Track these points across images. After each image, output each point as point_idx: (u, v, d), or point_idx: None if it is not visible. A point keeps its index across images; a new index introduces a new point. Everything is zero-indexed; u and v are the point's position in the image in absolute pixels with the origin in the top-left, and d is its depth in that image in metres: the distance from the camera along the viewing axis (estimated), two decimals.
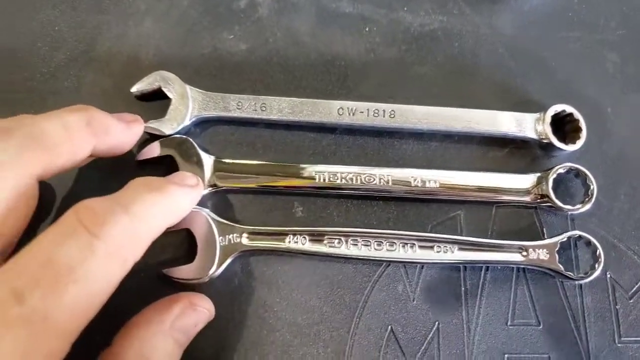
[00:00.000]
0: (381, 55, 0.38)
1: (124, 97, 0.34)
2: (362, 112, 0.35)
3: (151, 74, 0.34)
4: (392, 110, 0.35)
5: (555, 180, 0.35)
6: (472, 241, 0.34)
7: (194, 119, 0.34)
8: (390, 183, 0.34)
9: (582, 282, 0.34)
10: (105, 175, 0.33)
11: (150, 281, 0.32)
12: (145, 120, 0.33)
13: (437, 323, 0.34)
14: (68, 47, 0.37)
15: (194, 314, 0.29)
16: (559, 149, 0.36)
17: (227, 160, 0.34)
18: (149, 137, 0.34)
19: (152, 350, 0.27)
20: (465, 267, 0.34)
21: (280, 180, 0.34)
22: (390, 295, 0.34)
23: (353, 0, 0.39)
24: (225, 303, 0.33)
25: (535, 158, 0.37)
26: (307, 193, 0.35)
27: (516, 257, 0.34)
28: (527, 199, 0.35)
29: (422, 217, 0.35)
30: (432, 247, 0.33)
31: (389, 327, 0.33)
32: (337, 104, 0.35)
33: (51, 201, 0.32)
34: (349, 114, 0.35)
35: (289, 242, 0.33)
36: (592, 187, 0.34)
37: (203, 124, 0.35)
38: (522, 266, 0.34)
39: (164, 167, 0.34)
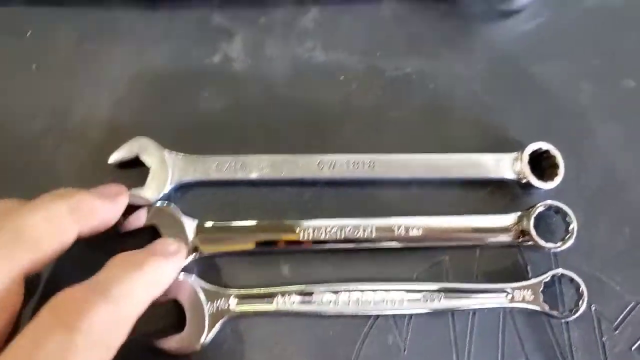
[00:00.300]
0: (358, 102, 0.38)
1: (102, 167, 0.34)
2: (342, 165, 0.35)
3: (128, 142, 0.34)
4: (372, 161, 0.36)
5: (536, 218, 0.35)
6: (458, 288, 0.34)
7: (174, 185, 0.34)
8: (374, 233, 0.35)
9: (567, 319, 0.34)
10: (86, 246, 0.33)
11: (141, 353, 0.32)
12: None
13: None
14: (42, 116, 0.36)
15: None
16: (538, 187, 0.36)
17: (210, 224, 0.34)
18: (128, 207, 0.34)
19: None
20: (453, 313, 0.35)
21: (264, 238, 0.34)
22: (381, 348, 0.34)
23: (326, 49, 0.39)
24: None
25: (515, 197, 0.37)
26: (293, 250, 0.35)
27: (502, 300, 0.34)
28: (509, 238, 0.36)
29: (408, 265, 0.35)
30: (419, 298, 0.34)
31: None
32: (316, 158, 0.35)
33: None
34: (329, 168, 0.35)
35: (277, 303, 0.33)
36: (572, 224, 0.35)
37: (183, 188, 0.35)
38: (509, 308, 0.35)
39: (147, 233, 0.34)
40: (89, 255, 0.32)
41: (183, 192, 0.36)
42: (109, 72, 0.38)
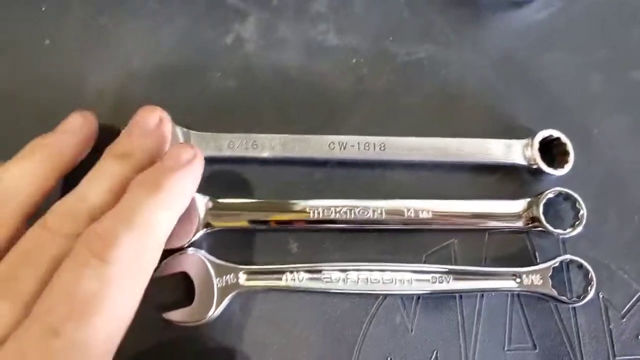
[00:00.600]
0: (369, 86, 0.38)
1: (114, 139, 0.34)
2: (353, 146, 0.36)
3: None
4: (382, 143, 0.36)
5: (545, 204, 0.35)
6: (466, 270, 0.34)
7: None
8: (384, 215, 0.35)
9: (575, 305, 0.34)
10: None
11: (150, 325, 0.32)
12: None
13: (435, 352, 0.34)
14: (55, 92, 0.37)
15: None
16: (548, 173, 0.36)
17: (221, 200, 0.34)
18: None
19: None
20: (461, 296, 0.35)
21: (274, 217, 0.34)
22: (388, 327, 0.34)
23: (339, 32, 0.39)
24: (225, 343, 0.33)
25: (524, 183, 0.37)
26: (302, 228, 0.35)
27: (510, 283, 0.34)
28: (518, 224, 0.36)
29: (416, 247, 0.36)
30: (427, 279, 0.34)
31: (389, 358, 0.34)
32: (327, 138, 0.36)
33: None
34: (340, 148, 0.36)
35: (286, 279, 0.33)
36: (582, 211, 0.35)
37: None
38: (517, 292, 0.35)
39: None
40: None
41: None
42: (121, 49, 0.38)
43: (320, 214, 0.35)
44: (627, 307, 0.36)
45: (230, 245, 0.35)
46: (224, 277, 0.33)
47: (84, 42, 0.38)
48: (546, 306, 0.35)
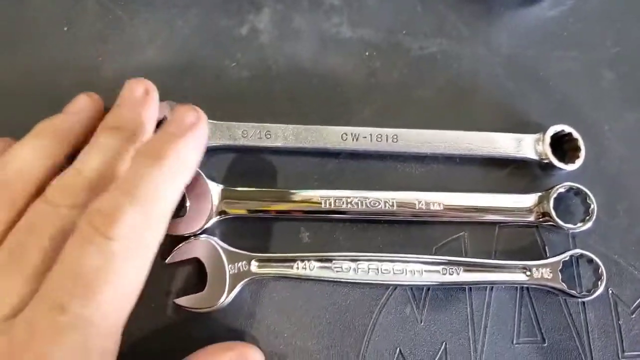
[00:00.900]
0: (382, 79, 0.39)
1: None
2: (366, 137, 0.36)
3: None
4: (395, 135, 0.36)
5: (555, 199, 0.36)
6: (477, 262, 0.34)
7: None
8: (395, 206, 0.35)
9: (585, 299, 0.34)
10: None
11: (161, 311, 0.33)
12: None
13: (444, 343, 0.34)
14: (71, 79, 0.37)
15: None
16: (559, 168, 0.36)
17: (234, 188, 0.35)
18: None
19: None
20: (470, 288, 0.35)
21: (286, 206, 0.35)
22: (398, 318, 0.34)
23: (353, 25, 0.40)
24: (236, 330, 0.33)
25: (535, 177, 0.38)
26: (314, 218, 0.35)
27: (520, 276, 0.34)
28: (528, 218, 0.36)
29: (426, 239, 0.36)
30: (438, 270, 0.34)
31: (398, 349, 0.34)
32: (340, 129, 0.36)
33: None
34: (353, 139, 0.36)
35: (298, 268, 0.33)
36: (592, 206, 0.35)
37: (209, 152, 0.36)
38: (526, 285, 0.35)
39: None
40: None
41: (208, 156, 0.35)
42: (137, 38, 0.38)
43: (332, 204, 0.35)
44: (636, 303, 0.36)
45: (243, 233, 0.35)
46: (236, 264, 0.33)
47: (101, 31, 0.38)
48: (555, 300, 0.35)
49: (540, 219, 0.36)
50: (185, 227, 0.33)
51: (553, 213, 0.35)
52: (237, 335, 0.33)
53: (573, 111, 0.39)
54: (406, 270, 0.34)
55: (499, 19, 0.41)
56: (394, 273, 0.34)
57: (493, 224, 0.36)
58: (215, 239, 0.33)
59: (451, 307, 0.35)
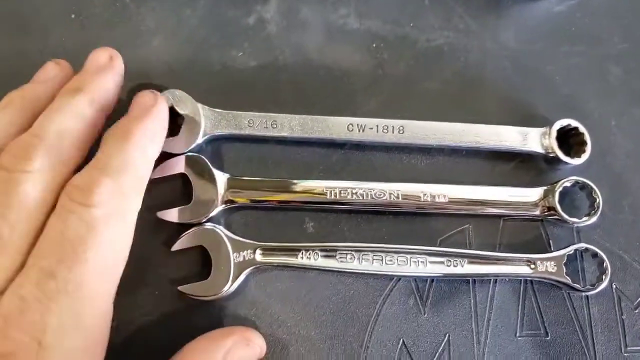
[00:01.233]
0: (389, 71, 0.39)
1: None
2: (372, 128, 0.36)
3: (163, 92, 0.35)
4: (401, 126, 0.36)
5: (561, 193, 0.36)
6: (481, 255, 0.34)
7: (206, 137, 0.35)
8: (400, 198, 0.35)
9: (589, 293, 0.34)
10: None
11: (166, 298, 0.33)
12: None
13: (447, 335, 0.34)
14: (78, 67, 0.37)
15: (246, 348, 0.30)
16: (564, 162, 0.36)
17: (240, 178, 0.35)
18: (161, 156, 0.34)
19: None
20: (474, 280, 0.35)
21: (291, 196, 0.35)
22: (401, 309, 0.34)
23: (360, 17, 0.40)
24: (239, 319, 0.33)
25: (540, 171, 0.38)
26: (318, 209, 0.35)
27: (524, 269, 0.34)
28: (533, 212, 0.36)
29: (431, 231, 0.36)
30: (442, 262, 0.34)
31: (401, 340, 0.34)
32: (346, 120, 0.36)
33: None
34: (359, 130, 0.36)
35: (302, 257, 0.33)
36: (597, 200, 0.35)
37: (214, 142, 0.36)
38: (530, 278, 0.35)
39: (178, 183, 0.34)
40: None
41: (214, 146, 0.36)
42: (145, 27, 0.38)
43: (337, 195, 0.35)
44: None
45: (248, 222, 0.35)
46: (241, 252, 0.33)
47: (109, 19, 0.38)
48: (559, 294, 0.35)
49: (546, 213, 0.36)
50: (191, 215, 0.33)
51: (558, 207, 0.35)
52: (240, 323, 0.33)
53: (579, 106, 0.39)
54: (410, 261, 0.34)
55: (506, 13, 0.41)
56: (398, 264, 0.34)
57: (498, 217, 0.36)
58: (221, 227, 0.33)
59: (455, 299, 0.35)
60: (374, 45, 0.39)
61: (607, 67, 0.40)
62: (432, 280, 0.35)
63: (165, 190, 0.34)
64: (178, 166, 0.34)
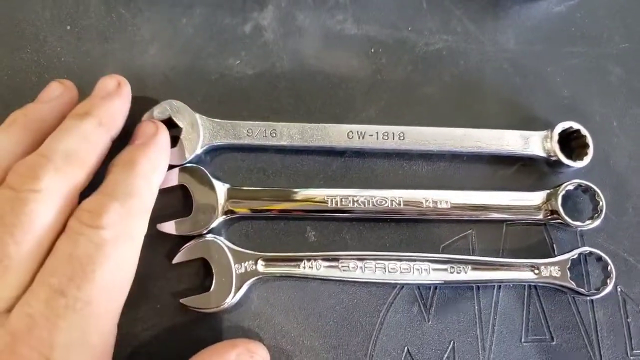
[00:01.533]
0: (388, 76, 0.38)
1: (132, 127, 0.34)
2: (372, 135, 0.36)
3: (160, 103, 0.34)
4: (402, 133, 0.36)
5: (563, 196, 0.35)
6: (485, 261, 0.34)
7: (205, 148, 0.35)
8: (402, 205, 0.35)
9: (594, 297, 0.34)
10: None
11: (168, 311, 0.33)
12: None
13: (452, 342, 0.34)
14: (74, 78, 0.37)
15: None
16: (566, 165, 0.36)
17: (240, 188, 0.34)
18: None
19: None
20: (478, 287, 0.35)
21: (292, 205, 0.34)
22: (405, 317, 0.34)
23: (357, 22, 0.39)
24: (242, 330, 0.33)
25: (542, 175, 0.37)
26: (320, 217, 0.35)
27: (529, 275, 0.34)
28: (536, 216, 0.36)
29: (434, 238, 0.35)
30: (445, 269, 0.34)
31: (405, 348, 0.34)
32: (346, 127, 0.36)
33: None
34: (359, 138, 0.35)
35: (304, 267, 0.33)
36: (601, 203, 0.35)
37: (213, 152, 0.36)
38: (535, 284, 0.35)
39: (177, 195, 0.34)
40: None
41: (213, 156, 0.36)
42: (140, 37, 0.38)
43: (338, 203, 0.34)
44: None
45: (249, 232, 0.35)
46: (243, 263, 0.33)
47: (104, 30, 0.38)
48: (564, 298, 0.35)
49: (549, 217, 0.36)
50: (191, 227, 0.33)
51: (561, 211, 0.35)
52: (243, 335, 0.33)
53: (580, 107, 0.39)
54: (413, 269, 0.34)
55: (505, 15, 0.41)
56: (401, 272, 0.33)
57: (500, 222, 0.36)
58: (222, 238, 0.33)
59: (459, 305, 0.34)
60: (372, 50, 0.39)
61: (608, 68, 0.40)
62: (436, 288, 0.35)
63: (165, 202, 0.33)
64: (177, 177, 0.33)
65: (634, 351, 0.35)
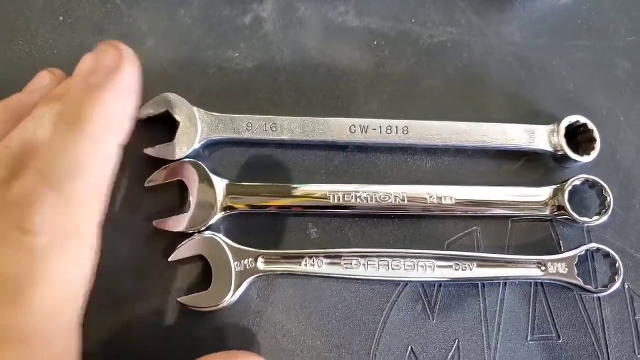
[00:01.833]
0: (391, 69, 0.37)
1: None
2: (375, 130, 0.35)
3: (157, 97, 0.33)
4: (406, 127, 0.35)
5: (570, 192, 0.35)
6: (490, 258, 0.33)
7: (203, 142, 0.34)
8: (406, 201, 0.34)
9: (601, 294, 0.34)
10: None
11: (165, 311, 0.32)
12: (154, 145, 0.33)
13: (457, 341, 0.33)
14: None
15: None
16: (573, 160, 0.35)
17: (239, 183, 0.33)
18: (158, 162, 0.33)
19: None
20: (483, 284, 0.34)
21: (293, 202, 0.34)
22: (409, 315, 0.33)
23: (360, 14, 0.38)
24: (243, 329, 0.32)
25: (549, 170, 0.37)
26: (322, 214, 0.34)
27: (535, 272, 0.33)
28: (543, 212, 0.35)
29: (438, 234, 0.35)
30: (450, 266, 0.33)
31: (409, 347, 0.33)
32: (349, 121, 0.35)
33: None
34: (362, 132, 0.35)
35: (306, 264, 0.32)
36: (608, 199, 0.34)
37: (212, 147, 0.35)
38: (541, 281, 0.34)
39: (175, 191, 0.33)
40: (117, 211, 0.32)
41: (211, 150, 0.35)
42: (137, 29, 0.37)
43: (341, 199, 0.34)
44: None
45: (248, 229, 0.34)
46: (242, 261, 0.32)
47: (98, 22, 0.37)
48: (571, 296, 0.34)
49: (555, 213, 0.35)
50: (189, 224, 0.32)
51: (568, 206, 0.34)
52: (243, 334, 0.32)
53: (587, 101, 0.38)
54: (417, 266, 0.33)
55: (510, 7, 0.40)
56: (405, 269, 0.33)
57: (506, 218, 0.35)
58: (220, 235, 0.32)
59: (464, 303, 0.34)
60: (375, 43, 0.38)
61: (615, 61, 0.39)
62: (440, 285, 0.34)
63: (162, 198, 0.33)
64: (175, 173, 0.32)
65: None
